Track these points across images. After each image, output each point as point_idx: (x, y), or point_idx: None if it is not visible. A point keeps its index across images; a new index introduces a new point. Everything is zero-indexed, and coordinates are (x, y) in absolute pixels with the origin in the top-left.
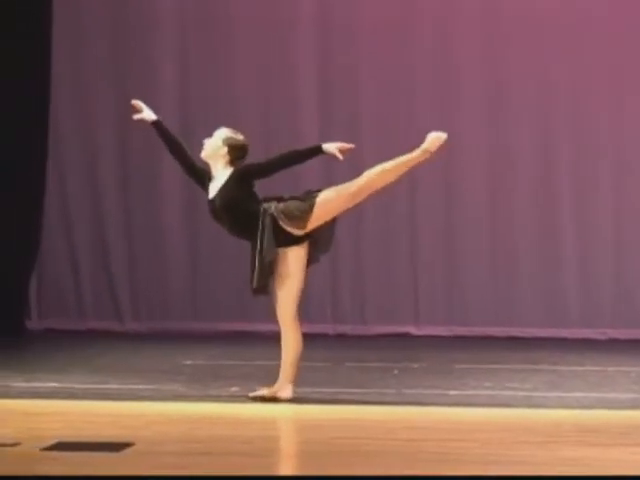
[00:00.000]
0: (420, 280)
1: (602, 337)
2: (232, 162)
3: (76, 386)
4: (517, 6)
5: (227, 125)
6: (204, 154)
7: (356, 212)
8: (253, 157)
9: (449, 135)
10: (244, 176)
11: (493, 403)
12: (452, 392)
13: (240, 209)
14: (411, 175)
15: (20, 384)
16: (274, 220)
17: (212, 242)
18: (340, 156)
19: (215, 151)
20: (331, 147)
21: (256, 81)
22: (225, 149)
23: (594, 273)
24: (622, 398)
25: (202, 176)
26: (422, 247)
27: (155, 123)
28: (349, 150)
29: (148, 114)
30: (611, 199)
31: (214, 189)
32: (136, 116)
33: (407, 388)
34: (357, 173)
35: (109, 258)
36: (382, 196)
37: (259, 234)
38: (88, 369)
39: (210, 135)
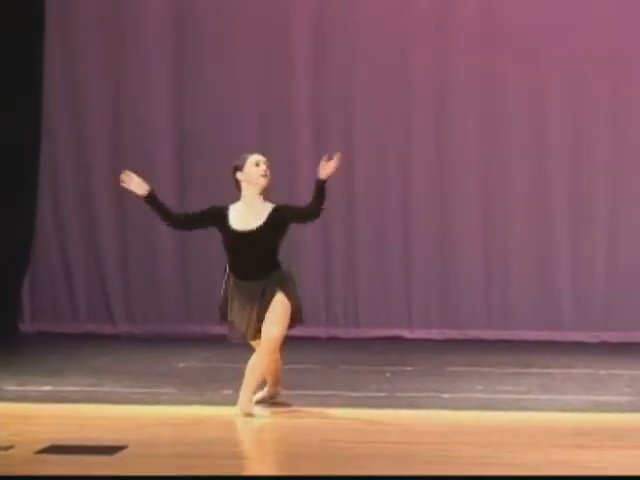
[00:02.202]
0: (413, 283)
1: (594, 340)
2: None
3: (69, 389)
4: (513, 19)
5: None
6: (268, 182)
7: (349, 215)
8: None
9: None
10: (284, 221)
11: (485, 406)
12: (445, 395)
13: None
14: (406, 177)
15: (13, 387)
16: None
17: (205, 244)
18: (331, 165)
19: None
20: (323, 171)
21: (254, 79)
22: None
23: (586, 276)
24: (614, 401)
25: (215, 217)
26: (415, 251)
27: (149, 197)
28: (332, 158)
29: (139, 186)
30: (605, 203)
31: (250, 219)
32: (124, 184)
33: (400, 391)
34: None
35: (102, 260)
36: (376, 199)
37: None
38: (81, 372)
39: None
